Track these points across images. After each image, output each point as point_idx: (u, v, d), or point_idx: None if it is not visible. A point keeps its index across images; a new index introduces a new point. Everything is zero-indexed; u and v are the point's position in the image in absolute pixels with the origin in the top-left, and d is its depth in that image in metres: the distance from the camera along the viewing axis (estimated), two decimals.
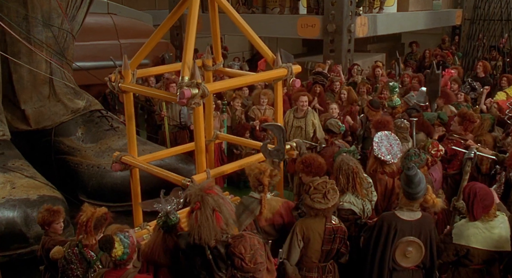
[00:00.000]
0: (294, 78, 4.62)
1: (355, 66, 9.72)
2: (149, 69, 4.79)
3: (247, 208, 3.83)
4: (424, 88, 6.97)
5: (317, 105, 7.60)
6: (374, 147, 4.51)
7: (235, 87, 4.65)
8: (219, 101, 7.76)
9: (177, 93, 3.79)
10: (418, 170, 3.53)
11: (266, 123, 4.36)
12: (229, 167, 4.39)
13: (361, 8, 10.74)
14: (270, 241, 3.57)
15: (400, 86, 8.11)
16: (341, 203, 3.97)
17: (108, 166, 6.38)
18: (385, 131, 4.67)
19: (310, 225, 3.56)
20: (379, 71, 9.55)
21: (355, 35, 10.40)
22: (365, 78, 9.34)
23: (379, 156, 4.49)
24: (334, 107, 6.61)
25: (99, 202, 6.38)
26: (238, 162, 4.44)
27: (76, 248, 3.50)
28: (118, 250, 2.96)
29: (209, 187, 3.04)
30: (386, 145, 4.51)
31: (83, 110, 7.05)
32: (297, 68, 4.71)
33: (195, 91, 3.75)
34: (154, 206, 3.44)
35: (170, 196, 3.50)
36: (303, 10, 11.78)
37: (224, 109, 7.32)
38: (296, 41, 15.33)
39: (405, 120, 5.44)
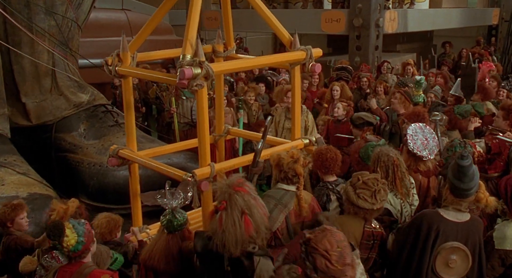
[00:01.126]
0: (314, 63, 4.19)
1: (385, 64, 9.22)
2: (150, 53, 4.42)
3: (279, 201, 3.37)
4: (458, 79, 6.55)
5: (325, 104, 7.04)
6: (408, 141, 4.02)
7: (245, 68, 4.24)
8: (233, 99, 7.34)
9: (177, 73, 3.41)
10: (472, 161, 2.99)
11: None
12: (238, 161, 3.96)
13: (390, 2, 10.27)
14: None
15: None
16: None
17: None
18: (419, 123, 4.19)
19: (346, 225, 3.09)
20: (410, 69, 9.04)
21: (383, 31, 10.08)
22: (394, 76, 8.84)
23: (414, 151, 4.00)
24: (339, 107, 6.08)
25: (101, 203, 6.12)
26: (248, 155, 3.99)
27: (55, 251, 3.10)
28: (71, 238, 2.59)
29: (239, 184, 2.67)
30: (422, 139, 4.03)
31: (86, 105, 6.81)
32: (317, 51, 4.29)
33: (198, 71, 3.37)
34: (158, 199, 3.10)
35: (177, 190, 3.16)
36: (327, 5, 11.46)
37: (240, 105, 6.89)
38: (321, 41, 14.94)
39: (442, 113, 4.93)
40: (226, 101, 6.90)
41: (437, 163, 4.33)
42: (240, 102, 6.91)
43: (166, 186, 3.08)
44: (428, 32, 14.79)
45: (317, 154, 3.86)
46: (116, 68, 4.12)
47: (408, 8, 11.26)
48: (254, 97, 7.31)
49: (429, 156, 4.09)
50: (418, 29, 11.73)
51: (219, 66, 3.65)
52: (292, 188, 3.41)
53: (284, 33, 4.28)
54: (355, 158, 4.19)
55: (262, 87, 7.88)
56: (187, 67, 3.36)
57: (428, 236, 2.96)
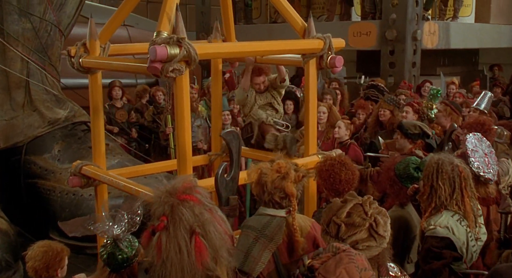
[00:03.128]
0: (334, 55, 3.67)
1: (427, 84, 8.63)
2: (127, 46, 3.96)
3: (261, 233, 2.78)
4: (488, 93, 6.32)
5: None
6: (471, 158, 3.42)
7: (240, 54, 3.62)
8: (239, 118, 6.72)
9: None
10: None
11: (224, 132, 3.24)
12: None
13: (429, 13, 9.95)
14: None
15: None
16: (431, 227, 3.02)
17: (86, 193, 5.60)
18: (476, 134, 3.53)
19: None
20: (453, 88, 8.56)
21: (421, 45, 9.58)
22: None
23: (480, 172, 3.41)
24: (340, 126, 5.33)
25: (73, 241, 5.48)
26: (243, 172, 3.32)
27: None
28: None
29: (186, 190, 2.14)
30: (482, 155, 3.40)
31: (64, 122, 6.37)
32: (339, 42, 3.83)
33: (175, 51, 2.86)
34: (89, 226, 2.52)
35: (119, 211, 2.54)
36: (356, 18, 11.05)
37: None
38: (349, 65, 14.53)
39: (502, 128, 4.31)
40: (230, 118, 6.41)
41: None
42: None
43: (100, 208, 2.66)
44: (472, 56, 14.26)
45: (328, 172, 3.25)
46: (81, 60, 3.67)
47: (451, 21, 10.73)
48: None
49: (493, 178, 3.50)
50: (463, 46, 11.20)
51: (205, 48, 3.06)
52: (281, 212, 2.83)
53: (298, 20, 3.75)
54: (388, 176, 3.55)
55: (290, 105, 7.00)
56: (161, 45, 2.78)
57: None
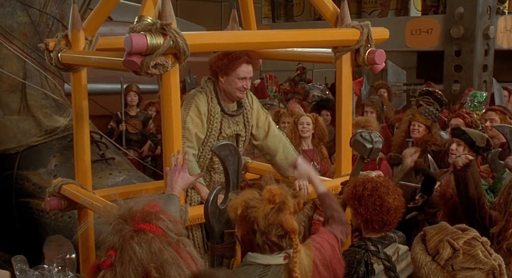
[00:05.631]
0: (374, 49, 3.34)
1: (504, 92, 8.19)
2: (120, 38, 3.63)
3: None
4: None
5: None
6: None
7: (249, 47, 3.28)
8: None
9: None
10: None
11: (217, 145, 2.86)
12: None
13: (505, 5, 9.74)
14: None
15: None
16: None
17: None
18: None
19: None
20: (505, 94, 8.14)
21: (495, 45, 9.35)
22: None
23: None
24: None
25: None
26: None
27: None
28: None
29: (146, 216, 1.98)
30: None
31: (63, 131, 6.24)
32: (381, 32, 3.53)
33: (157, 40, 2.59)
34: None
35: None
36: (415, 13, 10.97)
37: None
38: (408, 71, 14.21)
39: None
40: None
41: None
42: None
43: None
44: None
45: (371, 198, 2.93)
46: (59, 54, 3.49)
47: None
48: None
49: None
50: None
51: (198, 38, 2.76)
52: (277, 259, 2.50)
53: (327, 4, 3.41)
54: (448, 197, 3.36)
55: (327, 116, 6.81)
56: (139, 33, 2.48)
57: None
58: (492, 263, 2.22)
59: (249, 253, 2.60)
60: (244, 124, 3.58)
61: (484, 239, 2.33)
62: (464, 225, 2.41)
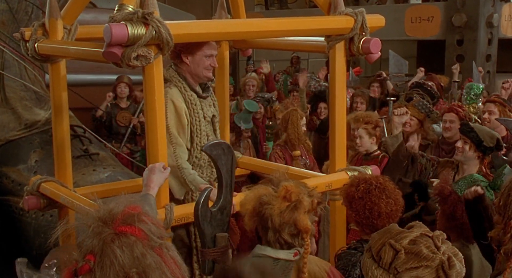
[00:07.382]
0: (369, 37, 3.39)
1: (507, 84, 8.13)
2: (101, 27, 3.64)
3: None
4: None
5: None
6: None
7: (239, 36, 3.30)
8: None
9: None
10: None
11: (208, 144, 2.86)
12: None
13: None
14: None
15: None
16: None
17: None
18: None
19: None
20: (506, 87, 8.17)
21: (499, 33, 9.36)
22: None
23: None
24: (362, 135, 4.82)
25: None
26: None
27: None
28: None
29: (128, 218, 1.93)
30: None
31: (44, 125, 6.26)
32: (376, 19, 3.59)
33: (139, 30, 2.60)
34: None
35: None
36: (415, 1, 10.92)
37: (269, 134, 6.85)
38: (406, 51, 14.32)
39: None
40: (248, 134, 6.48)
41: None
42: (269, 130, 6.81)
43: None
44: None
45: (362, 201, 2.98)
46: (36, 44, 3.48)
47: None
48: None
49: None
50: None
51: (183, 27, 2.76)
52: (287, 254, 2.59)
53: None
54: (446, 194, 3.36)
55: (324, 109, 7.12)
56: (119, 23, 2.49)
57: None
58: (440, 257, 2.19)
59: (258, 245, 2.66)
60: (214, 105, 3.63)
61: (437, 232, 2.30)
62: (415, 222, 2.39)
